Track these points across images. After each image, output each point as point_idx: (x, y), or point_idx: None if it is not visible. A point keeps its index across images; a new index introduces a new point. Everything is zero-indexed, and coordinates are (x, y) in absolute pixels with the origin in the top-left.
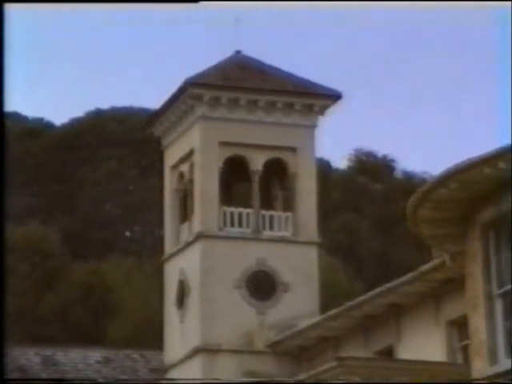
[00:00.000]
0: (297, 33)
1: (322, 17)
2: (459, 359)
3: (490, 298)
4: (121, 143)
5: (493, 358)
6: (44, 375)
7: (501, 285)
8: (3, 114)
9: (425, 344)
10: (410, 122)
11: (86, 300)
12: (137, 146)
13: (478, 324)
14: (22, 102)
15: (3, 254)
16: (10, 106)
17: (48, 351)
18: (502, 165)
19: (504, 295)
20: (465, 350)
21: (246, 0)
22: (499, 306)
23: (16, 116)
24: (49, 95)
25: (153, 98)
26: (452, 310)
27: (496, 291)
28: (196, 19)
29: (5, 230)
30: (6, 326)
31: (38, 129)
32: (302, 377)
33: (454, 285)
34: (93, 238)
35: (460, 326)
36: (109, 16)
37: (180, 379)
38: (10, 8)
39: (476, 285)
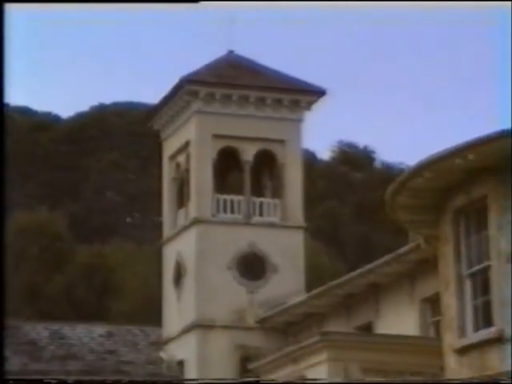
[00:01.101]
0: (286, 33)
1: (310, 18)
2: (432, 333)
3: (460, 278)
4: (122, 136)
5: (462, 332)
6: (52, 347)
7: (470, 266)
8: (3, 110)
9: (401, 320)
10: (388, 116)
11: (90, 280)
12: (137, 138)
13: (449, 301)
14: (32, 98)
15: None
16: (21, 101)
17: (55, 326)
18: (471, 156)
19: (473, 275)
20: (437, 325)
21: (244, 0)
22: (468, 285)
23: (27, 110)
24: (56, 92)
25: (152, 94)
26: (426, 288)
27: (465, 272)
28: (192, 20)
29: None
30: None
31: (46, 122)
32: (288, 350)
33: (428, 266)
34: (96, 223)
35: (433, 303)
36: (111, 16)
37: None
38: (12, 8)
39: (448, 266)
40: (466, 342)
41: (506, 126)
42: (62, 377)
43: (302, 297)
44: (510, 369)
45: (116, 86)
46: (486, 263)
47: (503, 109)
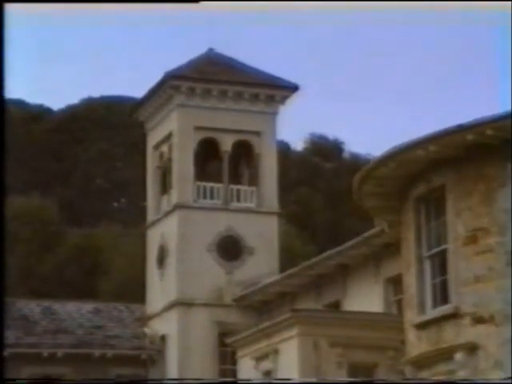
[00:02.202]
0: (262, 32)
1: (286, 17)
2: (394, 310)
3: (420, 260)
4: (110, 127)
5: (421, 308)
6: (44, 323)
7: (429, 248)
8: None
9: (366, 298)
10: (356, 111)
11: (79, 260)
12: (123, 129)
13: (410, 281)
14: (25, 91)
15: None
16: (15, 93)
17: (47, 303)
18: (432, 148)
19: (431, 257)
20: (399, 302)
21: (243, 0)
22: (427, 266)
23: (20, 103)
24: (48, 85)
25: (137, 88)
26: (389, 269)
27: (425, 254)
28: (176, 20)
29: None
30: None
31: (39, 114)
32: (262, 326)
33: (392, 248)
34: (85, 208)
35: (395, 283)
36: (102, 16)
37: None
38: (9, 8)
39: (409, 248)
40: (424, 317)
41: (467, 119)
42: (52, 350)
43: (276, 277)
44: (463, 342)
45: (104, 81)
46: (443, 246)
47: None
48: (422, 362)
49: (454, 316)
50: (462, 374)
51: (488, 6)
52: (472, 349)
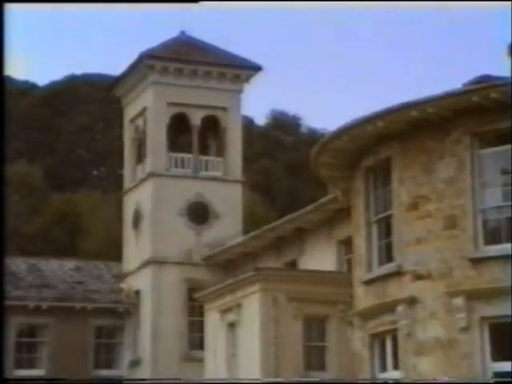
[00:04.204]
0: (230, 16)
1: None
2: (345, 268)
3: (368, 224)
4: (90, 101)
5: (368, 267)
6: (29, 278)
7: (376, 213)
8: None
9: (320, 257)
10: (313, 89)
11: (62, 223)
12: (103, 104)
13: (359, 242)
14: (12, 67)
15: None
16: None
17: (33, 260)
18: (380, 123)
19: (378, 221)
20: (349, 261)
21: (242, 0)
22: (375, 230)
23: (7, 79)
24: (34, 62)
25: (116, 66)
26: (341, 232)
27: (373, 218)
28: (151, 4)
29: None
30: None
31: (25, 89)
32: (227, 282)
33: (343, 214)
34: (68, 175)
35: (346, 244)
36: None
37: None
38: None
39: (359, 214)
40: (371, 275)
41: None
42: (37, 302)
43: (240, 239)
44: (405, 296)
45: (85, 59)
46: (389, 211)
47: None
48: (368, 314)
49: (397, 273)
50: (402, 323)
51: (488, 6)
52: (412, 302)
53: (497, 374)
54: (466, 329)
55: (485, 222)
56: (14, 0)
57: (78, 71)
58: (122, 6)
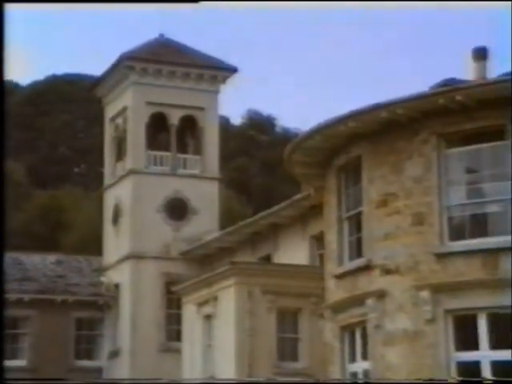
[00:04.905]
0: (208, 19)
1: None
2: (317, 263)
3: (340, 220)
4: (72, 100)
5: (340, 261)
6: (12, 271)
7: (347, 210)
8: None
9: (294, 252)
10: (287, 90)
11: (44, 218)
12: (84, 103)
13: (331, 238)
14: None
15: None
16: None
17: (15, 254)
18: (351, 123)
19: (349, 218)
20: (321, 256)
21: (242, 0)
22: (346, 226)
23: None
24: (17, 62)
25: (96, 67)
26: (314, 228)
27: (344, 215)
28: (132, 9)
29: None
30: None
31: (9, 88)
32: (204, 276)
33: (316, 210)
34: (50, 172)
35: (319, 240)
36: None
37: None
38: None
39: (331, 210)
40: (342, 269)
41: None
42: (20, 295)
43: (216, 234)
44: (374, 289)
45: (67, 59)
46: (359, 208)
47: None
48: (339, 307)
49: (367, 268)
50: (372, 316)
51: (488, 6)
52: (381, 295)
53: (460, 364)
54: (431, 321)
55: (450, 219)
56: (13, 0)
57: (59, 71)
58: (103, 7)
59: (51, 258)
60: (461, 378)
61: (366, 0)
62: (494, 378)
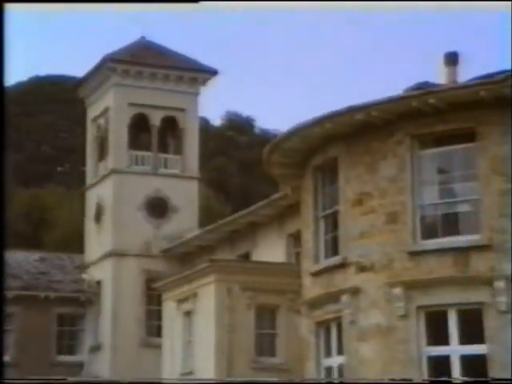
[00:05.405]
0: (189, 23)
1: (211, 9)
2: (294, 260)
3: (316, 219)
4: (55, 101)
5: (316, 259)
6: None
7: (324, 209)
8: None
9: (271, 250)
10: (266, 92)
11: (28, 216)
12: (67, 104)
13: (307, 236)
14: None
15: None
16: None
17: None
18: (328, 125)
19: (325, 217)
20: (298, 254)
21: (243, 0)
22: (322, 224)
23: None
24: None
25: (79, 69)
26: (291, 226)
27: (320, 214)
28: (114, 11)
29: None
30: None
31: None
32: (184, 273)
33: (293, 209)
34: (34, 171)
35: (296, 238)
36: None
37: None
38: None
39: (308, 209)
40: (318, 266)
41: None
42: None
43: (196, 232)
44: (349, 286)
45: (50, 61)
46: (335, 207)
47: None
48: (315, 303)
49: (342, 265)
50: (346, 312)
51: (488, 5)
52: (355, 292)
53: (431, 358)
54: (403, 316)
55: (423, 218)
56: (13, 0)
57: (43, 73)
58: (85, 8)
59: (34, 255)
60: (431, 379)
61: (343, 0)
62: (466, 379)
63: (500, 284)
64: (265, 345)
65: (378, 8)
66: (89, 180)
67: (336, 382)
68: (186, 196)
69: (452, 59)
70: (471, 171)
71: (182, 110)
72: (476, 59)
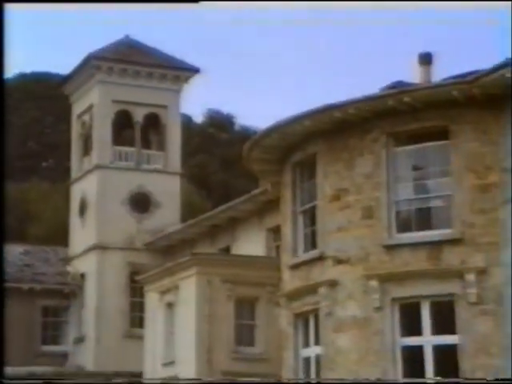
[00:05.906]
0: (170, 22)
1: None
2: (273, 254)
3: (295, 214)
4: (40, 98)
5: (294, 253)
6: None
7: (302, 204)
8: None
9: (251, 244)
10: (247, 90)
11: (13, 210)
12: (52, 100)
13: (286, 231)
14: None
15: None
16: None
17: None
18: (307, 122)
19: (304, 212)
20: (277, 248)
21: (243, 0)
22: (301, 219)
23: None
24: None
25: (64, 66)
26: (270, 221)
27: (299, 209)
28: (96, 10)
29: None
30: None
31: None
32: (167, 266)
33: (273, 204)
34: (19, 166)
35: (275, 232)
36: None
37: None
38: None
39: (287, 204)
40: (297, 260)
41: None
42: None
43: (178, 226)
44: (326, 279)
45: (34, 58)
46: (314, 202)
47: None
48: (293, 295)
49: (320, 259)
50: (324, 304)
51: (488, 6)
52: (333, 284)
53: (404, 348)
54: (379, 308)
55: (398, 213)
56: (14, 0)
57: (28, 70)
58: (70, 7)
59: (19, 248)
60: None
61: (321, 0)
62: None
63: (470, 276)
64: (244, 335)
65: (355, 7)
66: (73, 175)
67: (315, 381)
68: (168, 191)
69: (426, 59)
70: (444, 168)
71: (165, 107)
72: (452, 58)
